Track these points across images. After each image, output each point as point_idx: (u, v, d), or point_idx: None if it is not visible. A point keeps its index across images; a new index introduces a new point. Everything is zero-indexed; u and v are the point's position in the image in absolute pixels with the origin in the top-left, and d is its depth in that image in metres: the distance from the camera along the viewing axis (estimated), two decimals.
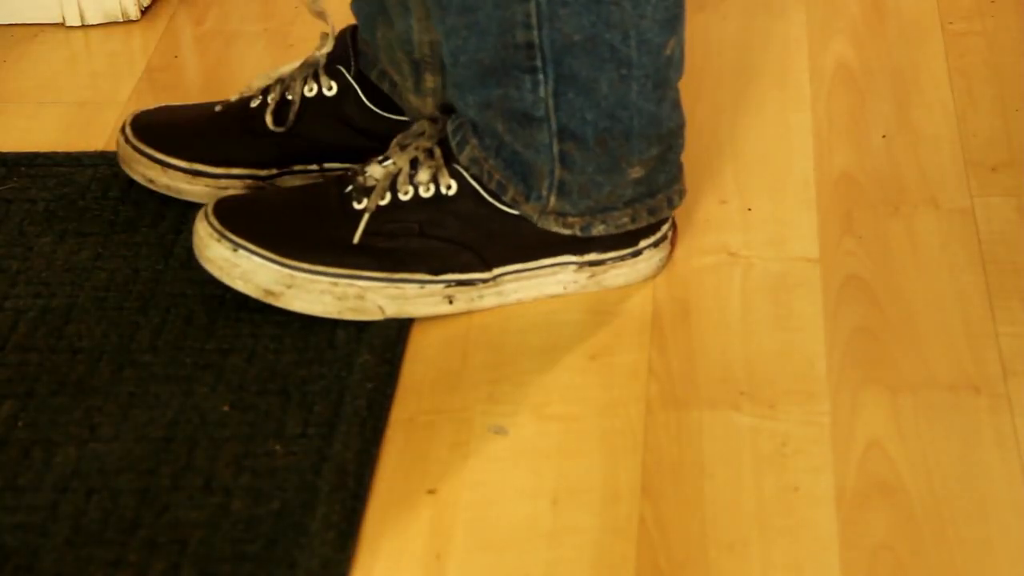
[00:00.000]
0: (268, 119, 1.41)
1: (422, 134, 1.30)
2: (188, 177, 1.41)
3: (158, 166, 1.42)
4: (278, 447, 1.18)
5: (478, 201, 1.28)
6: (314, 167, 1.43)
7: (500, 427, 1.20)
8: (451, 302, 1.29)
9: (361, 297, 1.27)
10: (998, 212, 1.39)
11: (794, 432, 1.18)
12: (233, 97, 1.45)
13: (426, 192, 1.28)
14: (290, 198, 1.33)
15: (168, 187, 1.42)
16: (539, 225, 1.29)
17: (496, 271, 1.29)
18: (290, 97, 1.41)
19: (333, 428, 1.19)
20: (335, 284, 1.27)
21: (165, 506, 1.14)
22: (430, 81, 1.35)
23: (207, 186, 1.41)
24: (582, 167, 1.26)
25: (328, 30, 1.41)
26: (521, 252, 1.29)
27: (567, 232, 1.29)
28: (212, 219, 1.29)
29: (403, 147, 1.30)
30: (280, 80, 1.42)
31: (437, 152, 1.28)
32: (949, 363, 1.24)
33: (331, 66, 1.41)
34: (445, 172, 1.28)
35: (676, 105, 1.28)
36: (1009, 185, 1.43)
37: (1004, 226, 1.38)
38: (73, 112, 1.59)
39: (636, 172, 1.27)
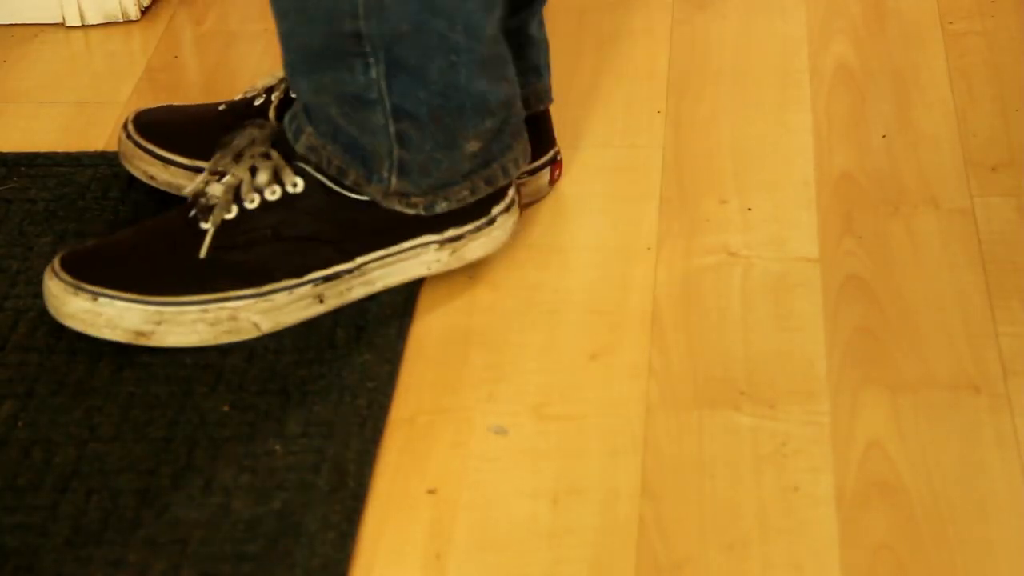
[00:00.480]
0: (271, 116, 1.41)
1: (253, 142, 1.29)
2: (189, 174, 1.41)
3: (159, 162, 1.42)
4: (278, 447, 1.18)
5: (327, 193, 1.27)
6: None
7: (500, 427, 1.20)
8: (322, 300, 1.28)
9: (234, 318, 1.26)
10: (998, 212, 1.39)
11: (794, 432, 1.18)
12: (237, 96, 1.45)
13: (272, 195, 1.26)
14: (138, 235, 1.29)
15: (169, 184, 1.42)
16: (384, 206, 1.28)
17: (359, 260, 1.28)
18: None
19: (333, 428, 1.19)
20: (205, 311, 1.25)
21: (165, 506, 1.14)
22: None
23: None
24: (419, 145, 1.25)
25: None
26: (380, 237, 1.28)
27: (411, 212, 1.28)
28: (63, 274, 1.26)
29: (237, 158, 1.28)
30: (284, 79, 1.42)
31: (274, 154, 1.27)
32: (949, 363, 1.24)
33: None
34: (288, 170, 1.27)
35: (505, 79, 1.27)
36: (1009, 185, 1.43)
37: (1004, 226, 1.38)
38: (73, 112, 1.59)
39: (473, 146, 1.27)
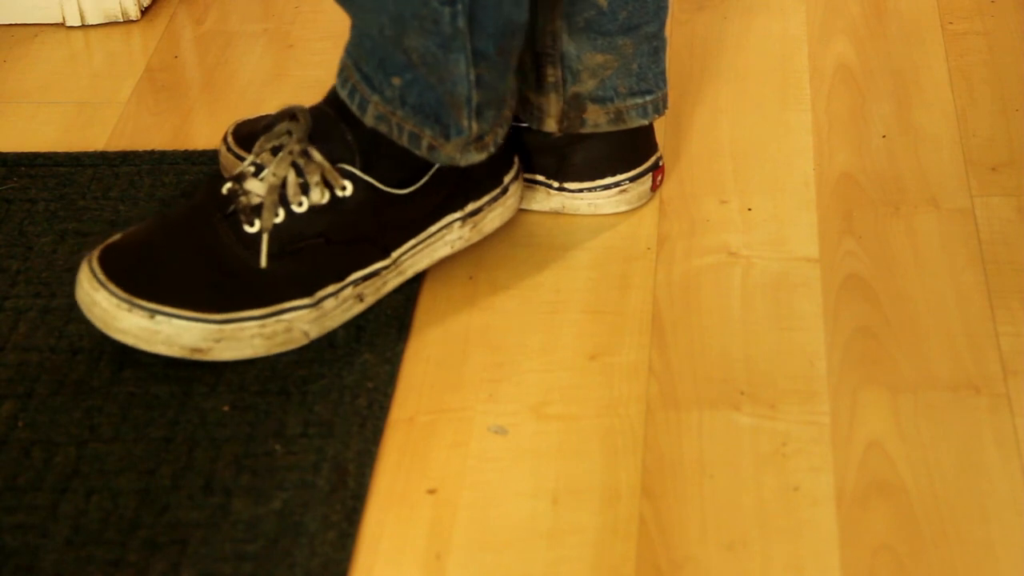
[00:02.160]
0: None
1: (288, 133, 1.25)
2: None
3: None
4: (278, 447, 1.18)
5: (371, 191, 1.25)
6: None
7: (500, 427, 1.20)
8: (362, 299, 1.28)
9: (289, 330, 1.25)
10: (998, 212, 1.39)
11: (794, 432, 1.18)
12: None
13: (322, 198, 1.24)
14: (175, 234, 1.25)
15: None
16: (461, 164, 1.26)
17: (395, 254, 1.28)
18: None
19: (333, 428, 1.19)
20: (263, 326, 1.24)
21: (165, 506, 1.14)
22: (551, 75, 1.35)
23: None
24: (490, 82, 1.24)
25: None
26: (412, 227, 1.29)
27: (484, 156, 1.27)
28: (110, 285, 1.22)
29: (274, 151, 1.25)
30: None
31: (316, 154, 1.24)
32: (949, 363, 1.24)
33: None
34: (335, 173, 1.24)
35: None
36: (1009, 185, 1.43)
37: (1004, 226, 1.38)
38: (73, 112, 1.59)
39: (515, 62, 1.26)
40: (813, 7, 1.70)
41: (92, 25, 1.73)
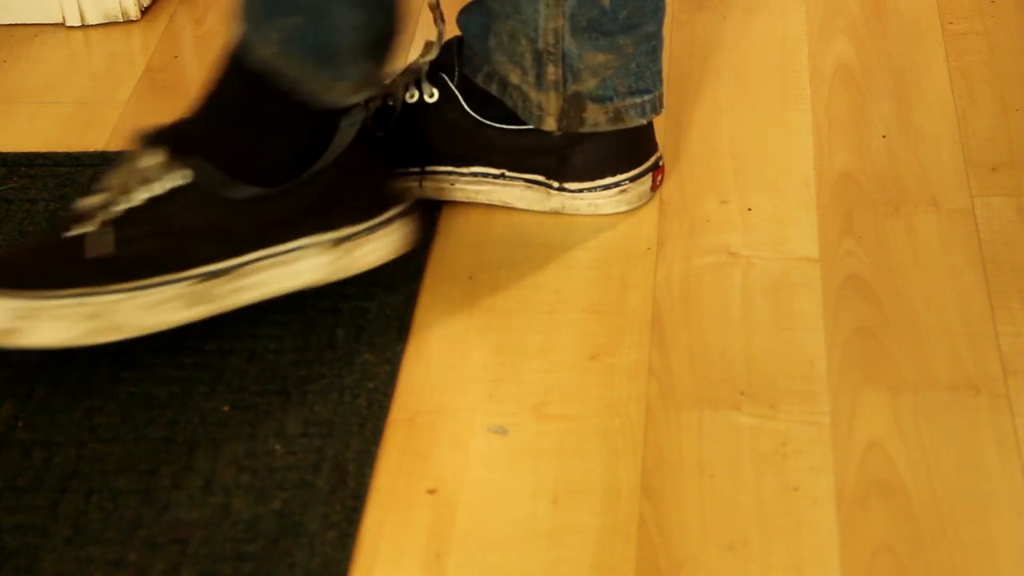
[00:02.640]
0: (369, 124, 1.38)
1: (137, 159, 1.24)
2: None
3: None
4: (278, 447, 1.18)
5: (213, 186, 1.22)
6: (415, 169, 1.41)
7: (500, 427, 1.20)
8: (206, 300, 1.23)
9: (99, 316, 1.21)
10: (998, 212, 1.39)
11: (794, 432, 1.18)
12: None
13: (157, 189, 1.21)
14: (21, 244, 1.25)
15: None
16: (340, 105, 1.25)
17: (245, 257, 1.24)
18: (391, 103, 1.39)
19: (333, 428, 1.19)
20: (81, 305, 1.20)
21: (165, 506, 1.14)
22: (552, 73, 1.35)
23: None
24: (371, 24, 1.25)
25: (434, 37, 1.40)
26: (263, 235, 1.24)
27: (358, 97, 1.26)
28: None
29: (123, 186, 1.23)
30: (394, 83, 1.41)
31: (161, 146, 1.23)
32: (949, 363, 1.24)
33: (434, 73, 1.40)
34: (175, 163, 1.21)
35: None
36: (1009, 185, 1.43)
37: (1004, 226, 1.38)
38: (73, 112, 1.59)
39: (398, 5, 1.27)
40: (813, 7, 1.70)
41: (92, 25, 1.73)
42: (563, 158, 1.39)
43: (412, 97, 1.39)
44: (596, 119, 1.37)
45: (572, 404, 1.22)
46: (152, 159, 1.23)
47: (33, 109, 1.60)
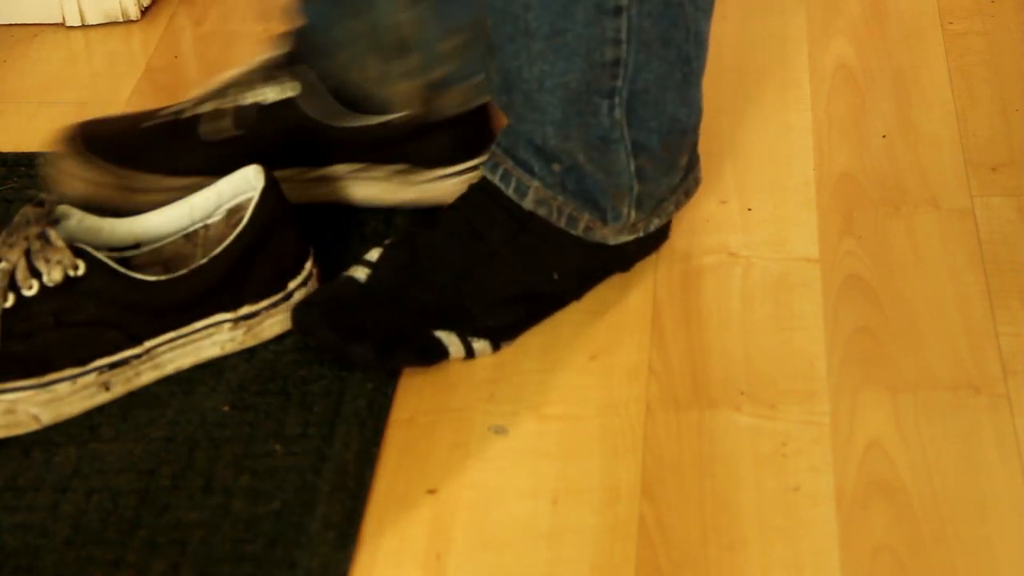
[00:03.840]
0: (201, 131, 1.36)
1: (27, 222, 1.21)
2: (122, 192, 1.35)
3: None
4: (278, 447, 1.18)
5: (111, 275, 1.20)
6: (282, 171, 1.37)
7: (500, 427, 1.20)
8: (108, 388, 1.21)
9: (12, 411, 1.19)
10: (998, 212, 1.39)
11: (794, 432, 1.18)
12: (170, 108, 1.40)
13: (51, 280, 1.18)
14: None
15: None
16: (610, 243, 1.28)
17: (148, 344, 1.22)
18: (249, 101, 1.37)
19: (333, 428, 1.19)
20: None
21: (165, 506, 1.14)
22: (406, 59, 1.33)
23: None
24: (652, 175, 1.27)
25: (283, 29, 1.37)
26: (170, 319, 1.23)
27: (632, 237, 1.29)
28: None
29: (11, 245, 1.20)
30: (234, 84, 1.38)
31: (52, 234, 1.19)
32: (949, 363, 1.24)
33: (291, 66, 1.36)
34: (68, 252, 1.18)
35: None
36: (1009, 185, 1.43)
37: (1004, 226, 1.38)
38: (73, 112, 1.58)
39: (683, 160, 1.30)
40: (813, 7, 1.70)
41: (92, 25, 1.73)
42: (416, 147, 1.36)
43: (272, 94, 1.36)
44: (453, 102, 1.35)
45: (572, 404, 1.22)
46: (41, 246, 1.19)
47: (33, 109, 1.60)
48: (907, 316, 1.29)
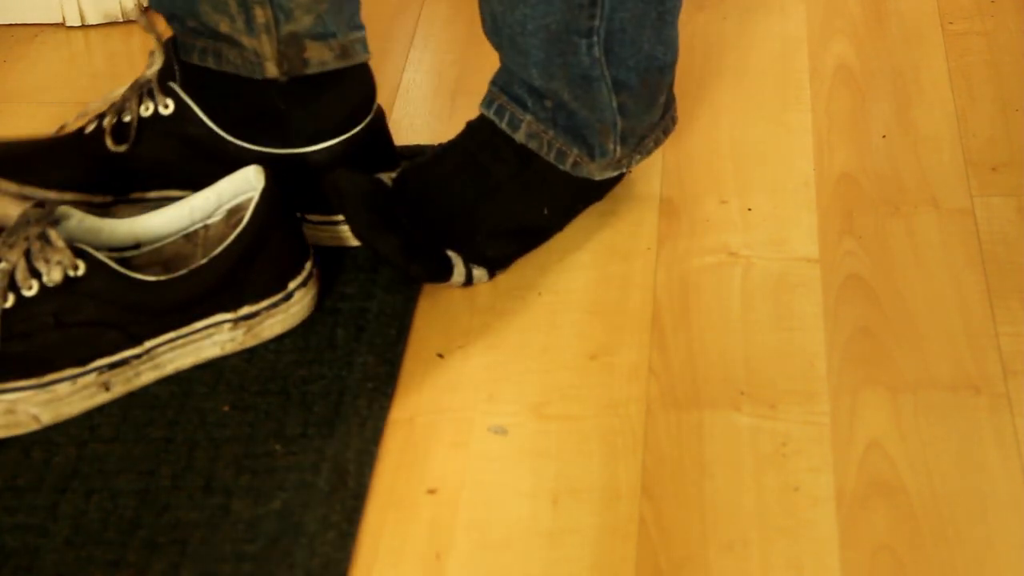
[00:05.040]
0: (107, 141, 1.34)
1: (28, 222, 1.20)
2: (17, 201, 1.34)
3: None
4: (278, 447, 1.18)
5: (111, 275, 1.19)
6: (152, 195, 1.36)
7: (500, 427, 1.20)
8: (108, 388, 1.21)
9: (12, 411, 1.18)
10: (998, 212, 1.39)
11: (794, 432, 1.18)
12: (70, 124, 1.39)
13: (51, 281, 1.18)
14: None
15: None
16: (596, 178, 1.34)
17: (148, 344, 1.22)
18: (127, 119, 1.35)
19: (333, 428, 1.19)
20: None
21: (165, 506, 1.14)
22: (260, 16, 1.30)
23: None
24: (634, 111, 1.32)
25: (155, 47, 1.35)
26: (170, 319, 1.22)
27: (616, 173, 1.35)
28: None
29: (11, 245, 1.20)
30: (116, 103, 1.36)
31: (52, 234, 1.18)
32: (949, 363, 1.24)
33: (163, 83, 1.34)
34: (68, 252, 1.18)
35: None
36: (1009, 185, 1.43)
37: (1004, 226, 1.38)
38: (73, 112, 1.58)
39: (662, 98, 1.35)
40: (813, 7, 1.70)
41: (92, 25, 1.73)
42: (287, 117, 1.34)
43: (147, 110, 1.34)
44: (322, 57, 1.33)
45: (572, 404, 1.22)
46: (41, 247, 1.19)
47: (33, 109, 1.60)
48: (907, 316, 1.29)
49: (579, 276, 1.35)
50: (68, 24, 1.73)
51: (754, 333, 1.28)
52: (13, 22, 1.74)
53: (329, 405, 1.22)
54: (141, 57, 1.67)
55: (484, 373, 1.25)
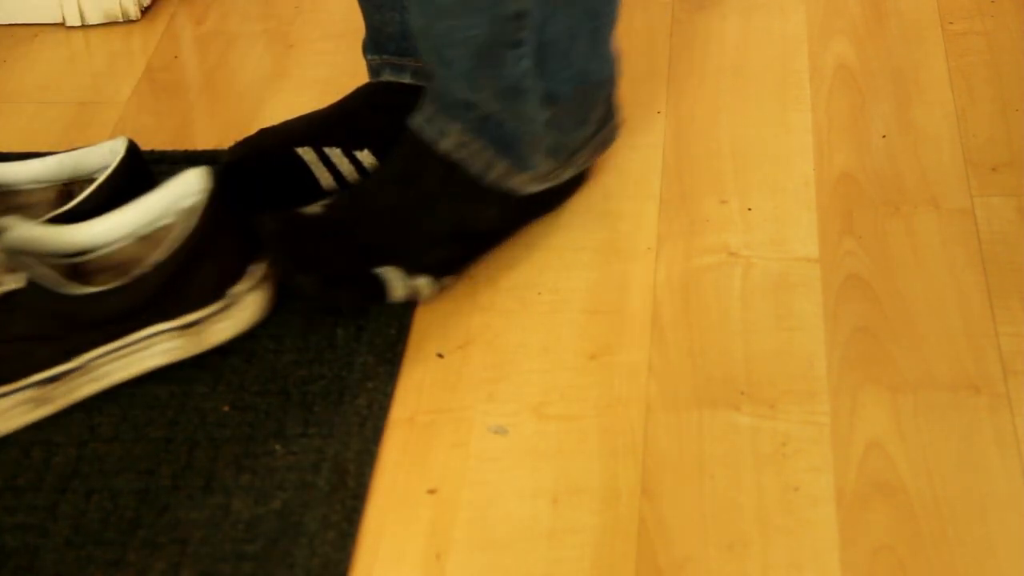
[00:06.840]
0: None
1: None
2: None
3: None
4: (278, 447, 1.18)
5: (43, 290, 1.17)
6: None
7: (500, 427, 1.20)
8: (44, 403, 1.20)
9: None
10: (998, 212, 1.39)
11: (794, 432, 1.18)
12: None
13: None
14: None
15: None
16: (524, 191, 1.32)
17: (84, 358, 1.20)
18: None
19: (333, 428, 1.20)
20: None
21: (165, 506, 1.14)
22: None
23: None
24: (566, 126, 1.31)
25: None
26: (105, 331, 1.20)
27: (545, 187, 1.34)
28: None
29: None
30: None
31: None
32: (949, 363, 1.24)
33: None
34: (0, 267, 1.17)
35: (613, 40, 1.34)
36: (1009, 185, 1.43)
37: (1004, 226, 1.38)
38: (73, 112, 1.59)
39: (597, 112, 1.34)
40: (813, 7, 1.70)
41: (92, 25, 1.73)
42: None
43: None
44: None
45: (572, 404, 1.22)
46: None
47: (33, 109, 1.60)
48: (907, 316, 1.29)
49: (579, 276, 1.35)
50: (68, 24, 1.73)
51: (754, 333, 1.28)
52: (13, 22, 1.74)
53: (329, 405, 1.22)
54: (141, 57, 1.67)
55: (484, 373, 1.25)
